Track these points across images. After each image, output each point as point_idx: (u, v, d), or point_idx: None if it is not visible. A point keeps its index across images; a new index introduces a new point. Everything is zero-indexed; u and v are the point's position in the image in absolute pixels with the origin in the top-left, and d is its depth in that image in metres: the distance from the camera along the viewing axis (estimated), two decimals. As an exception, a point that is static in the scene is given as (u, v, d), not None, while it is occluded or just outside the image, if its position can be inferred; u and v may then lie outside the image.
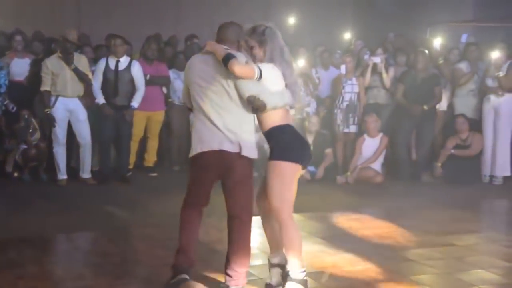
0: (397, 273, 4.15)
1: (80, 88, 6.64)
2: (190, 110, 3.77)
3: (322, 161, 7.37)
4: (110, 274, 3.94)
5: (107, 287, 3.75)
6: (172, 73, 7.51)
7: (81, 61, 6.62)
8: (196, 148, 3.52)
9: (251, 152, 3.52)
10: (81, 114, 6.65)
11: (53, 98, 6.53)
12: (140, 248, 4.54)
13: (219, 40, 3.58)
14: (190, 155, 3.58)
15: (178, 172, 7.44)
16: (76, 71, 6.48)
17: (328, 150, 7.44)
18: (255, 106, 3.46)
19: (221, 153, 3.46)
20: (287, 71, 3.58)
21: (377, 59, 7.73)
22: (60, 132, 6.58)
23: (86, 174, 6.76)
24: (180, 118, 7.63)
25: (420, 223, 5.42)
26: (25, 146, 6.80)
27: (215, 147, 3.46)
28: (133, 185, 6.78)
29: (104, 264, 4.13)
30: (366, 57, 7.93)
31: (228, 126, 3.47)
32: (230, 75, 3.42)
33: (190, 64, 3.64)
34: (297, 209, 5.37)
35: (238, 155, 3.47)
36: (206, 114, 3.49)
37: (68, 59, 6.44)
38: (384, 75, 7.74)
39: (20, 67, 7.01)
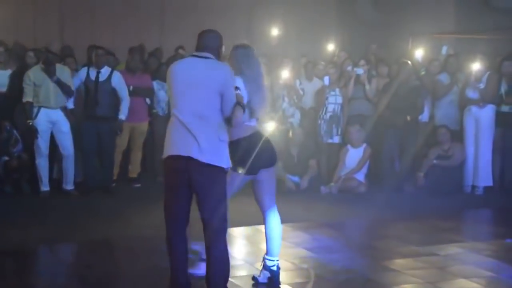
0: (380, 283, 4.17)
1: (63, 99, 6.61)
2: None
3: (306, 171, 7.41)
4: (94, 286, 3.92)
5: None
6: (156, 84, 7.51)
7: (64, 72, 6.59)
8: (166, 151, 3.48)
9: (223, 161, 3.49)
10: (64, 126, 6.61)
11: (35, 109, 6.49)
12: (124, 260, 4.51)
13: (200, 47, 3.58)
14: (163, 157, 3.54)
15: (162, 183, 7.38)
16: (59, 82, 6.45)
17: (312, 161, 7.48)
18: (236, 116, 3.47)
19: (190, 160, 3.40)
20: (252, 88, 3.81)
21: (360, 71, 7.82)
22: (42, 144, 6.53)
23: (69, 185, 6.71)
24: (164, 129, 7.46)
25: (402, 233, 5.46)
26: (6, 158, 6.73)
27: (184, 152, 3.40)
28: (117, 196, 6.74)
29: (87, 276, 4.10)
30: (349, 68, 8.00)
31: (205, 134, 3.42)
32: (219, 83, 3.45)
33: (177, 66, 3.57)
34: (282, 219, 5.40)
35: (207, 163, 3.41)
36: (183, 119, 3.43)
37: (50, 71, 6.41)
38: (367, 86, 7.82)
39: (2, 78, 6.96)
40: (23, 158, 6.78)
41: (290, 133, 7.51)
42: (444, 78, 7.83)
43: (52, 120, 6.53)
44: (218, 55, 3.62)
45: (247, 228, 5.50)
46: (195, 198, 3.53)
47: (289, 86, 7.86)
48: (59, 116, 6.57)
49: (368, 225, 5.96)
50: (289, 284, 4.08)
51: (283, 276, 4.21)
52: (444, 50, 8.93)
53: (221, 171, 3.48)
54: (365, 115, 7.84)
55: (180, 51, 8.40)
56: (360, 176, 7.42)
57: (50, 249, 4.75)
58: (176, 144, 3.44)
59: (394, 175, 7.63)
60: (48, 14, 10.66)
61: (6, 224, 5.39)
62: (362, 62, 8.05)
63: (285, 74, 7.79)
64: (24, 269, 4.18)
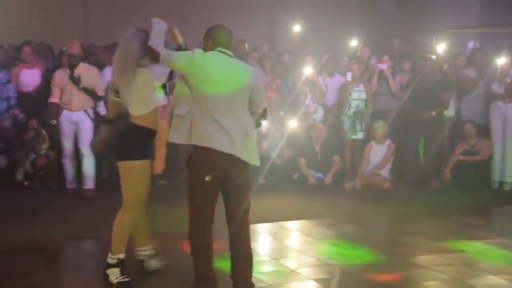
0: (407, 279, 4.13)
1: (87, 102, 6.49)
2: (154, 57, 3.51)
3: (330, 167, 7.38)
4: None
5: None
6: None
7: (90, 73, 6.52)
8: (199, 141, 3.41)
9: (253, 157, 3.53)
10: (86, 125, 6.50)
11: (59, 110, 6.45)
12: (150, 255, 4.53)
13: (223, 43, 3.55)
14: (178, 141, 3.49)
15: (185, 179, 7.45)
16: (85, 90, 6.38)
17: (336, 157, 7.45)
18: (265, 117, 3.55)
19: (223, 155, 3.41)
20: None
21: (384, 66, 7.76)
22: (66, 144, 6.51)
23: (89, 184, 6.58)
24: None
25: (429, 229, 5.41)
26: (34, 156, 6.84)
27: (218, 147, 3.40)
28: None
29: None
30: (372, 62, 7.95)
31: (243, 130, 3.47)
32: (253, 83, 3.49)
33: (213, 59, 3.49)
34: (306, 215, 5.40)
35: (239, 159, 3.45)
36: (215, 115, 3.41)
37: (73, 77, 6.33)
38: (391, 81, 7.77)
39: (29, 78, 7.05)
40: (50, 156, 6.88)
41: (313, 130, 7.49)
42: (470, 73, 7.73)
43: (73, 121, 6.47)
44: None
45: (271, 224, 5.50)
46: (224, 192, 3.55)
47: (311, 82, 7.84)
48: (80, 116, 6.50)
49: (393, 221, 5.91)
50: (314, 280, 4.07)
51: (308, 272, 4.21)
52: (470, 44, 8.81)
53: (249, 166, 3.53)
54: (389, 111, 7.77)
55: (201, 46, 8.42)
56: (385, 172, 7.37)
57: (76, 245, 4.79)
58: (211, 137, 3.41)
59: (419, 171, 7.56)
60: (72, 14, 10.81)
61: (34, 220, 5.47)
62: (385, 57, 7.99)
63: (308, 71, 7.77)
64: (53, 264, 4.24)
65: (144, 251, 4.11)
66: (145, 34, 3.67)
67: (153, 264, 4.13)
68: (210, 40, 3.56)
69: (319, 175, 7.34)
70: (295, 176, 7.49)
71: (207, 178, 3.45)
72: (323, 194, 6.88)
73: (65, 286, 3.86)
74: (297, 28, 10.14)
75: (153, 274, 4.10)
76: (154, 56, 3.50)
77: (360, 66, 7.90)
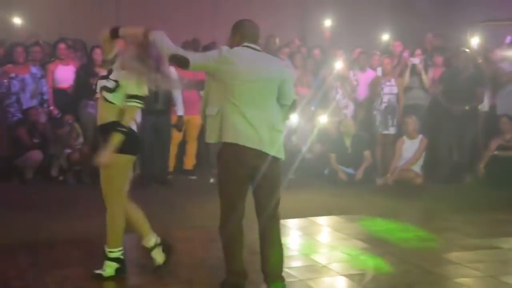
0: (440, 276, 4.09)
1: None
2: (182, 65, 3.47)
3: (360, 163, 7.33)
4: (153, 275, 4.02)
5: (151, 286, 3.82)
6: (210, 77, 7.59)
7: None
8: (227, 137, 3.44)
9: (281, 151, 3.55)
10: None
11: None
12: (181, 249, 4.59)
13: (251, 38, 3.55)
14: (212, 141, 3.51)
15: (216, 176, 7.50)
16: None
17: (367, 152, 7.40)
18: (293, 110, 3.55)
19: (253, 151, 3.44)
20: None
21: (416, 60, 7.67)
22: None
23: None
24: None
25: (462, 226, 5.34)
26: (69, 151, 6.99)
27: (247, 143, 3.43)
28: (173, 187, 6.87)
29: (146, 264, 4.20)
30: (405, 56, 7.86)
31: (271, 125, 3.48)
32: (281, 76, 3.50)
33: (241, 54, 3.50)
34: (337, 211, 5.37)
35: (268, 154, 3.47)
36: (244, 111, 3.43)
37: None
38: (424, 75, 7.68)
39: (64, 74, 7.20)
40: (84, 151, 7.02)
41: (343, 125, 7.45)
42: (506, 66, 7.58)
43: None
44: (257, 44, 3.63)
45: (301, 219, 5.50)
46: (254, 186, 3.57)
47: (342, 77, 7.80)
48: None
49: (425, 217, 5.84)
50: (345, 275, 4.06)
51: (338, 267, 4.21)
52: (508, 39, 8.62)
53: (278, 161, 3.55)
54: (421, 105, 7.69)
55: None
56: (417, 167, 7.29)
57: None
58: (239, 134, 3.43)
59: (452, 166, 7.46)
60: (104, 10, 10.96)
61: (68, 214, 5.59)
62: (418, 51, 7.90)
63: (339, 65, 7.73)
64: (87, 257, 4.33)
65: (147, 241, 4.08)
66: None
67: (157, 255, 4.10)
68: (238, 34, 3.58)
69: (350, 170, 7.30)
70: (326, 171, 7.47)
71: (236, 174, 3.50)
72: (353, 189, 6.85)
73: (100, 279, 3.93)
74: (328, 22, 10.09)
75: (184, 268, 4.16)
76: (182, 63, 3.47)
77: (392, 61, 7.82)
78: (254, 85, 3.45)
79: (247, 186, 3.57)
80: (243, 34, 3.56)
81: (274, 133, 3.50)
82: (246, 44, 3.53)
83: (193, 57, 3.48)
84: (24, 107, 7.05)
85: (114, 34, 3.74)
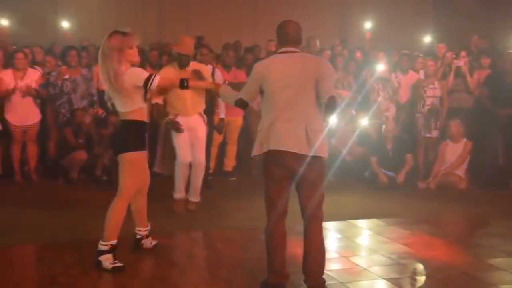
0: (484, 282, 4.00)
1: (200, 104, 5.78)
2: (242, 107, 3.87)
3: (402, 166, 7.24)
4: (194, 275, 4.07)
5: (191, 287, 3.87)
6: (251, 80, 7.63)
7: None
8: (267, 146, 3.55)
9: (322, 151, 3.55)
10: (200, 131, 5.75)
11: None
12: (222, 250, 4.64)
13: (287, 41, 3.61)
14: (258, 152, 3.61)
15: (256, 176, 7.54)
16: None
17: (409, 155, 7.30)
18: (332, 107, 3.51)
19: (293, 154, 3.50)
20: None
21: (460, 62, 7.53)
22: (182, 151, 5.63)
23: (194, 197, 5.84)
24: (258, 123, 7.74)
25: (507, 231, 5.21)
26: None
27: (285, 147, 3.50)
28: (213, 189, 6.92)
29: (187, 265, 4.26)
30: (448, 58, 7.72)
31: (307, 125, 3.51)
32: (314, 75, 3.50)
33: (270, 62, 3.67)
34: (378, 214, 5.33)
35: (308, 155, 3.50)
36: (281, 115, 3.52)
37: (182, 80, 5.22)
38: (468, 78, 7.53)
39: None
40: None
41: (384, 127, 7.37)
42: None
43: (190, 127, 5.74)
44: (300, 46, 3.70)
45: (341, 222, 5.47)
46: (295, 187, 3.60)
47: (384, 79, 7.72)
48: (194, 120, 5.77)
49: (469, 221, 5.72)
50: (385, 279, 4.02)
51: (379, 271, 4.17)
52: None
53: (320, 160, 3.55)
54: (465, 108, 7.54)
55: (271, 43, 8.51)
56: (461, 172, 7.15)
57: (153, 237, 4.93)
58: (276, 139, 3.52)
59: (497, 170, 7.29)
60: (147, 14, 11.16)
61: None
62: (462, 53, 7.75)
63: (380, 67, 7.65)
64: (130, 256, 4.41)
65: (142, 231, 4.49)
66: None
67: (147, 243, 4.51)
68: (277, 39, 3.67)
69: (391, 173, 7.21)
70: (366, 174, 7.40)
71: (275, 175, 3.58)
72: (394, 193, 6.76)
73: (142, 277, 4.00)
74: (368, 24, 10.01)
75: (223, 268, 4.19)
76: (242, 105, 3.85)
77: (436, 63, 7.70)
78: (288, 89, 3.52)
79: (287, 187, 3.60)
80: (280, 38, 3.65)
81: (312, 133, 3.51)
82: (282, 49, 3.63)
83: (243, 93, 3.76)
84: (75, 107, 7.25)
85: (184, 85, 4.33)
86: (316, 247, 3.59)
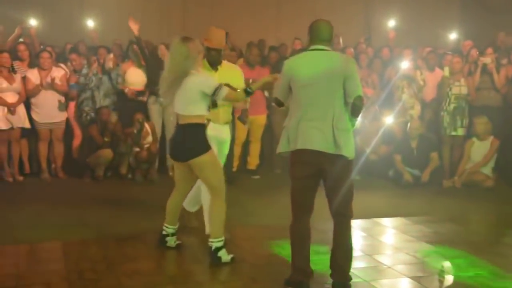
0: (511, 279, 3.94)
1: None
2: (280, 105, 3.85)
3: (427, 164, 7.17)
4: (218, 272, 4.09)
5: (216, 283, 3.90)
6: (274, 78, 7.63)
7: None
8: (294, 145, 3.58)
9: (349, 151, 3.54)
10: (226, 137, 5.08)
11: None
12: (245, 247, 4.65)
13: (316, 39, 3.62)
14: (282, 150, 3.65)
15: (279, 174, 7.55)
16: None
17: (434, 154, 7.22)
18: (359, 106, 3.48)
19: (319, 153, 3.50)
20: None
21: (487, 59, 7.42)
22: None
23: None
24: (282, 122, 7.73)
25: (535, 231, 5.12)
26: (137, 149, 7.21)
27: (312, 146, 3.50)
28: (237, 187, 6.95)
29: (209, 262, 4.28)
30: (472, 55, 7.62)
31: (334, 124, 3.50)
32: (342, 74, 3.49)
33: (298, 59, 3.69)
34: (403, 213, 5.30)
35: (338, 155, 3.50)
36: (308, 114, 3.52)
37: None
38: (495, 75, 7.41)
39: (136, 76, 7.42)
40: (152, 149, 7.22)
41: (409, 126, 7.31)
42: None
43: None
44: (331, 45, 3.69)
45: (365, 220, 5.44)
46: (323, 185, 3.62)
47: (409, 77, 7.65)
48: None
49: (496, 220, 5.64)
50: (410, 277, 3.99)
51: (404, 269, 4.14)
52: None
53: (346, 159, 3.54)
54: (492, 106, 7.42)
55: (296, 41, 8.50)
56: (487, 170, 7.05)
57: (177, 235, 4.97)
58: (303, 138, 3.53)
59: (525, 169, 7.17)
60: (172, 13, 11.23)
61: (137, 211, 5.78)
62: (489, 50, 7.63)
63: (405, 65, 7.58)
64: (155, 253, 4.46)
65: (169, 229, 4.50)
66: None
67: (172, 241, 4.51)
68: (308, 37, 3.68)
69: (415, 172, 7.15)
70: (390, 172, 7.35)
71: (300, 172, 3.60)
72: (419, 191, 6.70)
73: (168, 273, 4.05)
74: (393, 22, 9.92)
75: (246, 266, 4.20)
76: (279, 104, 3.81)
77: (462, 60, 7.60)
78: (315, 86, 3.51)
79: (314, 185, 3.61)
80: (312, 36, 3.66)
81: (338, 132, 3.49)
82: (312, 47, 3.63)
83: (276, 91, 3.78)
84: (97, 106, 7.35)
85: (250, 93, 4.14)
86: (343, 244, 3.60)
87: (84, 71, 7.34)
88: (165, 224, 4.52)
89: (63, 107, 7.23)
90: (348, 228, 3.63)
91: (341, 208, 3.59)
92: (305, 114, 3.54)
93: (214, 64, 4.73)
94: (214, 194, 4.19)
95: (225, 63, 4.89)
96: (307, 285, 3.66)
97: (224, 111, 4.82)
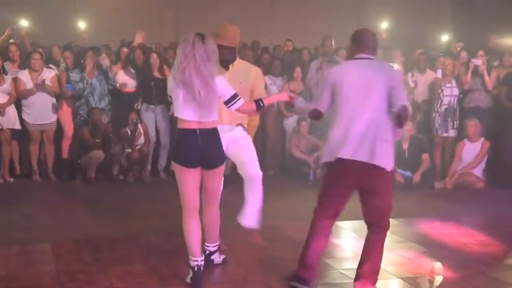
0: (503, 283, 3.97)
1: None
2: (317, 118, 3.76)
3: (418, 166, 7.20)
4: (209, 273, 4.08)
5: (207, 285, 3.89)
6: (268, 79, 7.65)
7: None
8: (336, 153, 3.52)
9: (388, 162, 3.50)
10: (241, 138, 4.62)
11: None
12: (237, 248, 4.63)
13: (360, 48, 3.61)
14: (326, 160, 3.61)
15: (272, 176, 7.55)
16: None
17: (425, 155, 7.26)
18: (404, 116, 3.44)
19: (364, 164, 3.47)
20: None
21: (478, 61, 7.46)
22: None
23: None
24: (275, 123, 7.76)
25: (526, 232, 5.15)
26: (129, 150, 7.20)
27: (361, 157, 3.47)
28: (229, 188, 6.92)
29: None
30: (462, 56, 7.67)
31: (375, 134, 3.47)
32: (387, 83, 3.47)
33: (343, 68, 3.70)
34: (393, 214, 5.28)
35: (377, 166, 3.46)
36: (351, 123, 3.49)
37: None
38: (486, 77, 7.45)
39: (127, 78, 7.41)
40: (144, 151, 7.21)
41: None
42: None
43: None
44: (376, 52, 3.67)
45: (356, 221, 5.43)
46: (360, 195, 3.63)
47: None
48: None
49: (487, 222, 5.67)
50: (401, 279, 4.01)
51: (394, 270, 4.15)
52: None
53: (387, 171, 3.51)
54: (483, 108, 7.47)
55: (288, 43, 8.52)
56: (478, 171, 7.09)
57: (170, 237, 4.95)
58: (345, 147, 3.48)
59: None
60: (164, 15, 11.23)
61: (129, 212, 5.77)
62: (480, 52, 7.68)
63: (395, 67, 7.60)
64: (148, 254, 4.45)
65: (211, 247, 4.15)
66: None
67: (217, 258, 4.20)
68: (353, 45, 3.67)
69: (407, 173, 7.18)
70: (383, 174, 7.36)
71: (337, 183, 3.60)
72: (411, 193, 6.72)
73: (160, 275, 4.04)
74: (386, 24, 9.98)
75: (240, 266, 4.21)
76: (316, 116, 3.74)
77: (453, 62, 7.64)
78: (359, 96, 3.48)
79: (347, 195, 3.62)
80: (356, 45, 3.64)
81: (381, 143, 3.46)
82: (358, 56, 3.61)
83: (316, 102, 3.72)
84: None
85: (260, 107, 3.82)
86: (368, 251, 3.64)
87: (75, 74, 7.23)
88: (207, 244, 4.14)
89: (55, 109, 7.21)
90: (379, 239, 3.67)
91: (379, 220, 3.61)
92: (349, 122, 3.49)
93: (226, 63, 4.30)
94: (215, 202, 4.01)
95: (239, 62, 4.41)
96: (309, 283, 3.65)
97: (227, 112, 4.20)
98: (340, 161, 3.50)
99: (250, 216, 4.49)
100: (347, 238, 5.03)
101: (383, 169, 3.47)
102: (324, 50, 7.89)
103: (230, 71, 4.30)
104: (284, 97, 4.04)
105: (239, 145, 4.45)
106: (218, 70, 4.10)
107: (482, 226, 5.48)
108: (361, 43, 3.61)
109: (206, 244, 4.10)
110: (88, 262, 4.23)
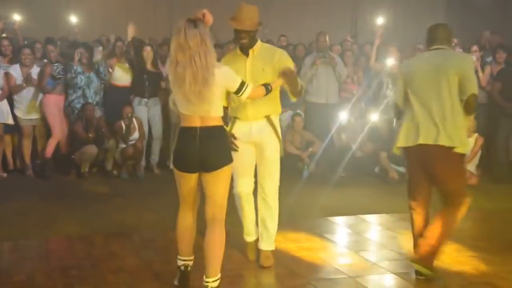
0: (496, 277, 3.98)
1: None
2: (399, 115, 4.07)
3: (412, 162, 7.21)
4: (202, 269, 4.07)
5: (200, 280, 3.88)
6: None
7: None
8: (415, 139, 3.77)
9: (464, 147, 3.75)
10: (268, 148, 4.02)
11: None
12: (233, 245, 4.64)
13: (432, 40, 3.85)
14: (404, 144, 3.86)
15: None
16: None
17: (419, 151, 7.27)
18: (472, 104, 3.69)
19: (436, 147, 3.69)
20: None
21: (472, 57, 7.47)
22: None
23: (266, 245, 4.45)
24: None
25: (518, 227, 5.18)
26: (123, 145, 7.17)
27: (434, 140, 3.70)
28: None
29: (198, 258, 4.26)
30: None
31: (449, 121, 3.68)
32: (458, 70, 3.66)
33: (414, 59, 4.07)
34: (387, 209, 5.32)
35: (451, 149, 3.69)
36: (426, 108, 3.72)
37: None
38: (480, 73, 7.47)
39: (122, 72, 7.36)
40: (138, 146, 7.18)
41: (394, 122, 7.34)
42: None
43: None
44: (450, 44, 3.91)
45: (351, 217, 5.46)
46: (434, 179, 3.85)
47: (393, 74, 7.68)
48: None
49: (481, 217, 5.69)
50: (395, 274, 4.02)
51: (388, 265, 4.16)
52: None
53: (459, 155, 3.75)
54: (477, 104, 7.48)
55: (282, 38, 8.52)
56: (471, 167, 7.10)
57: (163, 232, 4.94)
58: (418, 133, 3.75)
59: (508, 166, 7.24)
60: (158, 10, 11.19)
61: (123, 207, 5.75)
62: (474, 48, 7.70)
63: (390, 62, 7.62)
64: (140, 250, 4.44)
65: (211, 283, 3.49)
66: None
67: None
68: (427, 39, 3.92)
69: (401, 169, 7.18)
70: (376, 169, 7.39)
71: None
72: (404, 188, 6.70)
73: (153, 271, 4.03)
74: (380, 19, 9.96)
75: (232, 264, 4.20)
76: (399, 113, 4.11)
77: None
78: (430, 83, 3.71)
79: (427, 177, 3.89)
80: (430, 38, 3.89)
81: (452, 127, 3.66)
82: (431, 47, 3.86)
83: (396, 97, 4.05)
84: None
85: (269, 91, 3.63)
86: (432, 227, 3.93)
87: (59, 68, 7.12)
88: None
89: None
90: (450, 216, 3.97)
91: (451, 198, 3.84)
92: (420, 110, 3.74)
93: (246, 49, 3.91)
94: (218, 219, 3.43)
95: (261, 46, 3.97)
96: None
97: (254, 104, 3.82)
98: (415, 147, 3.75)
99: (261, 236, 4.15)
100: (342, 233, 5.03)
101: (456, 151, 3.69)
102: (318, 46, 7.88)
103: (250, 58, 3.90)
104: (283, 69, 3.68)
105: (267, 154, 3.95)
106: (232, 57, 3.97)
107: (476, 221, 5.50)
108: (434, 36, 3.85)
109: (204, 278, 3.46)
110: (81, 257, 4.22)
